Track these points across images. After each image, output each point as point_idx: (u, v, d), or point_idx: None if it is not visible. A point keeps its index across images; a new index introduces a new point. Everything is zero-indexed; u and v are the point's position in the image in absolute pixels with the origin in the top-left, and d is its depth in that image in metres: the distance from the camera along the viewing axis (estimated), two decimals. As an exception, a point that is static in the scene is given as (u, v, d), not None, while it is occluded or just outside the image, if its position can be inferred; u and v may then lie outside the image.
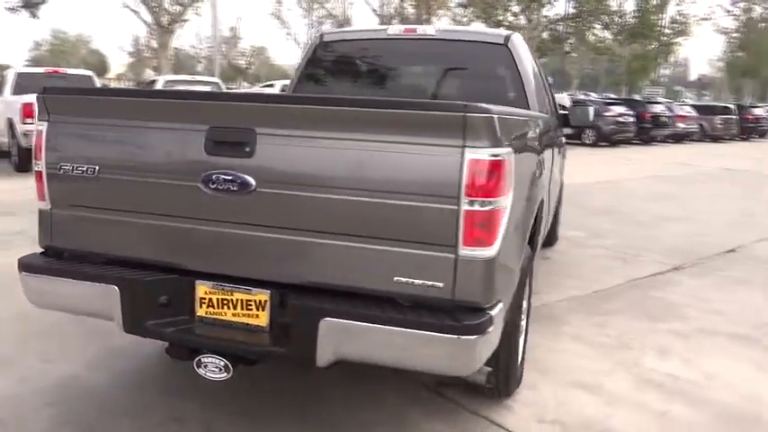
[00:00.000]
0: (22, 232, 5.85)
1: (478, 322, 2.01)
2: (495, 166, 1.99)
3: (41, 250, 2.60)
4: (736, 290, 5.10)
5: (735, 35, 51.98)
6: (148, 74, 53.35)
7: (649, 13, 39.12)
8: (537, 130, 3.08)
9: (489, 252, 2.03)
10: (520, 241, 2.53)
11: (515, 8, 33.75)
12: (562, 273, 5.34)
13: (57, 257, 2.56)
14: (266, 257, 2.22)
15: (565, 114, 5.23)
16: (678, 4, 40.98)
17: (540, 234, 3.61)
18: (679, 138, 25.09)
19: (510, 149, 2.10)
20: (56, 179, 2.44)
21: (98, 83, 12.45)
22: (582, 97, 26.51)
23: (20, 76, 11.42)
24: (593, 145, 20.83)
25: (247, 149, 2.15)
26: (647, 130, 22.75)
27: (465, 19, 35.68)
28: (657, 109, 23.70)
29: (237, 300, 2.29)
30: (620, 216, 8.24)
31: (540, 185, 3.12)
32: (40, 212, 2.53)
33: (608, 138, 21.11)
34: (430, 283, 2.03)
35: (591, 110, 5.12)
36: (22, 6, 25.51)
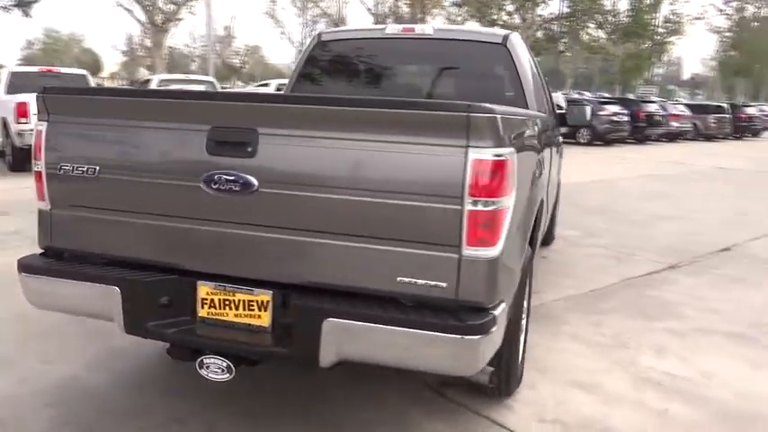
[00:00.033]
0: (18, 232, 5.83)
1: (482, 322, 2.02)
2: (499, 166, 1.99)
3: (41, 251, 2.60)
4: (732, 288, 5.13)
5: (727, 34, 52.25)
6: (142, 73, 53.19)
7: (643, 12, 39.26)
8: (537, 130, 3.09)
9: (492, 252, 2.04)
10: (521, 241, 2.53)
11: (510, 7, 33.81)
12: (558, 272, 5.36)
13: (56, 258, 2.55)
14: (269, 258, 2.22)
15: (562, 114, 5.25)
16: (671, 4, 41.21)
17: (539, 234, 3.63)
18: (673, 137, 25.19)
19: (512, 149, 2.10)
20: (56, 179, 2.44)
21: (92, 82, 12.40)
22: (576, 96, 26.59)
23: (13, 75, 11.37)
24: (588, 144, 20.90)
25: (249, 149, 2.15)
26: (642, 129, 22.83)
27: (459, 18, 35.73)
28: (652, 108, 23.77)
29: (239, 300, 2.28)
30: (614, 215, 8.28)
31: (540, 185, 3.14)
32: (40, 213, 2.52)
33: (603, 137, 21.18)
34: (433, 283, 2.04)
35: (588, 109, 5.15)
36: (15, 5, 25.39)
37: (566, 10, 34.81)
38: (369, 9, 35.83)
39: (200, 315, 2.34)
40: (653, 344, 3.83)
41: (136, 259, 2.39)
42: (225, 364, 2.24)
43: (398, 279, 2.07)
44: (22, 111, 9.82)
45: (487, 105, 1.98)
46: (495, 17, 33.26)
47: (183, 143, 2.25)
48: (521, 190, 2.31)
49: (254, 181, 2.14)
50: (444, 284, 2.03)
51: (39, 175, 2.47)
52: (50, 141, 2.42)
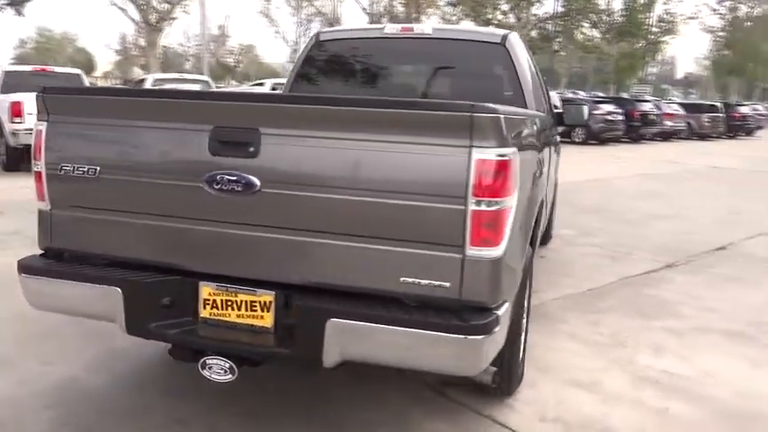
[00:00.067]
0: (17, 232, 5.81)
1: (486, 322, 2.03)
2: (502, 166, 2.00)
3: (40, 252, 2.58)
4: (728, 287, 5.15)
5: (721, 34, 52.49)
6: (136, 72, 53.01)
7: (637, 11, 39.41)
8: (537, 130, 3.10)
9: (496, 252, 2.04)
10: (523, 241, 2.54)
11: (504, 6, 33.87)
12: (556, 271, 5.37)
13: (56, 259, 2.54)
14: (271, 258, 2.22)
15: (559, 113, 5.26)
16: (665, 3, 41.39)
17: (539, 233, 3.63)
18: (667, 136, 25.29)
19: (515, 149, 2.11)
20: (56, 179, 2.42)
21: (87, 81, 12.35)
22: (571, 96, 26.66)
23: (7, 74, 11.31)
24: (583, 143, 20.95)
25: (252, 149, 2.14)
26: (636, 129, 22.92)
27: (454, 18, 35.75)
28: (646, 107, 23.86)
29: (242, 301, 2.28)
30: (610, 214, 8.30)
31: (541, 185, 3.14)
32: (40, 213, 2.51)
33: (597, 136, 21.24)
34: (437, 283, 2.04)
35: (585, 109, 5.17)
36: (8, 4, 25.26)
37: (560, 9, 34.91)
38: (364, 8, 35.83)
39: (202, 316, 2.33)
40: (651, 342, 3.85)
41: (137, 260, 2.39)
42: (228, 365, 2.23)
43: (401, 279, 2.07)
44: (16, 110, 9.78)
45: (491, 105, 1.98)
46: (490, 16, 33.32)
47: (185, 143, 2.24)
48: (522, 190, 2.31)
49: (257, 181, 2.14)
50: (448, 284, 2.04)
51: (39, 175, 2.46)
52: (50, 141, 2.41)
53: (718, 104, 29.65)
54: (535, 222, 3.02)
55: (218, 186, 2.18)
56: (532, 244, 3.03)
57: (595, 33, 39.78)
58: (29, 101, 9.72)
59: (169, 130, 2.28)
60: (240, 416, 2.81)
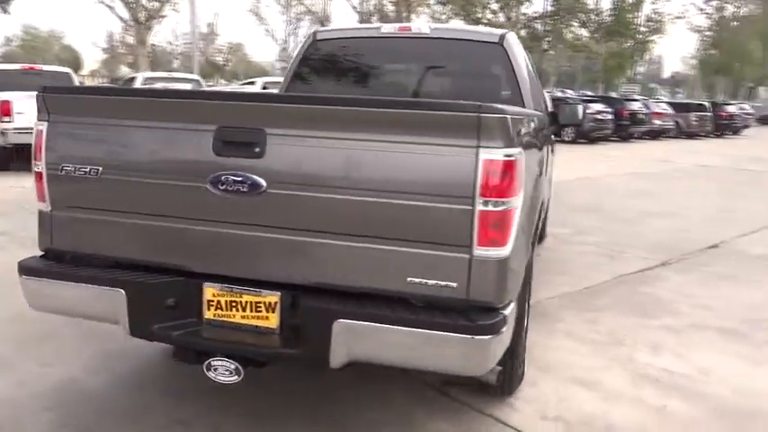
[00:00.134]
0: (5, 233, 5.75)
1: (493, 322, 2.03)
2: (509, 167, 2.00)
3: (40, 253, 2.56)
4: (722, 285, 5.20)
5: (708, 33, 52.88)
6: (123, 71, 52.63)
7: (625, 11, 39.65)
8: (538, 129, 3.11)
9: (503, 252, 2.05)
10: (527, 240, 2.55)
11: (494, 6, 33.96)
12: (552, 270, 5.39)
13: (57, 260, 2.51)
14: (277, 259, 2.21)
15: (553, 112, 5.27)
16: (653, 3, 41.69)
17: (538, 233, 3.65)
18: (655, 134, 25.43)
19: (521, 149, 2.11)
20: (57, 180, 2.40)
21: (76, 80, 12.23)
22: (560, 95, 26.75)
23: (-5, 73, 11.16)
24: (573, 142, 21.02)
25: (257, 150, 2.13)
26: (625, 128, 23.01)
27: (444, 17, 35.80)
28: (635, 106, 23.96)
29: (246, 302, 2.27)
30: (602, 213, 8.35)
31: (541, 184, 3.15)
32: (40, 214, 2.49)
33: (587, 135, 21.31)
34: (444, 283, 2.04)
35: (580, 108, 5.16)
36: (-7, 1, 24.98)
37: (549, 8, 35.06)
38: (354, 7, 35.77)
39: (206, 317, 2.32)
40: (648, 340, 3.88)
41: (140, 261, 2.37)
42: (233, 367, 2.22)
43: (409, 279, 2.07)
44: (4, 109, 9.69)
45: (498, 105, 1.99)
46: (480, 15, 33.39)
47: (189, 143, 2.23)
48: (526, 190, 2.32)
49: (263, 182, 2.13)
50: (455, 285, 2.04)
51: (39, 175, 2.43)
52: (51, 141, 2.39)
53: (705, 104, 29.88)
54: (536, 222, 3.03)
55: (223, 187, 2.17)
56: (533, 243, 3.04)
57: (584, 33, 40.01)
58: (17, 100, 9.63)
59: (172, 131, 2.26)
60: (244, 416, 2.80)
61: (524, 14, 34.71)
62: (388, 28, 4.15)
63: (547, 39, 36.67)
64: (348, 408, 2.90)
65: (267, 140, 2.13)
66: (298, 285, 2.21)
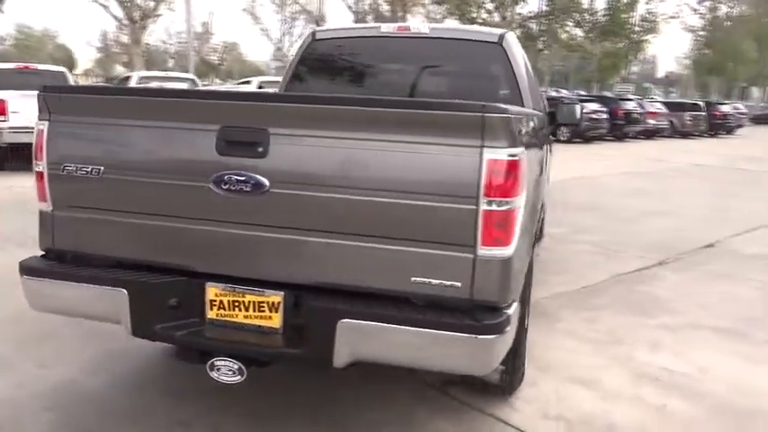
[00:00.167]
0: (2, 233, 5.72)
1: (497, 322, 2.03)
2: (513, 166, 2.00)
3: (41, 253, 2.55)
4: (719, 284, 5.22)
5: (701, 33, 53.09)
6: (118, 70, 52.43)
7: (620, 11, 39.72)
8: (538, 129, 3.12)
9: (507, 252, 2.05)
10: (529, 240, 2.55)
11: (489, 5, 33.99)
12: (549, 269, 5.40)
13: (58, 260, 2.50)
14: (280, 259, 2.20)
15: (551, 112, 5.28)
16: (647, 3, 41.76)
17: (538, 232, 3.66)
18: (650, 134, 25.53)
19: (524, 149, 2.12)
20: (58, 180, 2.39)
21: (71, 79, 12.19)
22: (554, 94, 26.80)
23: (-10, 72, 11.10)
24: (568, 141, 21.08)
25: (260, 149, 2.13)
26: (620, 127, 23.10)
27: (439, 16, 35.82)
28: (630, 106, 24.06)
29: (249, 302, 2.27)
30: (599, 212, 8.37)
31: (542, 184, 3.16)
32: (41, 214, 2.47)
33: (582, 134, 21.37)
34: (448, 282, 2.04)
35: (578, 108, 5.17)
36: (-13, 0, 24.83)
37: (544, 8, 35.11)
38: (349, 6, 35.72)
39: (208, 317, 2.32)
40: (647, 339, 3.89)
41: (142, 261, 2.36)
42: (236, 367, 2.22)
43: (412, 279, 2.07)
44: (0, 108, 9.63)
45: (502, 105, 1.99)
46: (475, 15, 33.41)
47: (192, 143, 2.22)
48: (528, 189, 2.32)
49: (266, 181, 2.13)
50: (459, 284, 2.04)
51: (40, 175, 2.42)
52: (52, 141, 2.37)
53: (699, 103, 30.02)
54: (536, 221, 3.04)
55: (227, 187, 2.16)
56: (533, 243, 3.05)
57: (579, 32, 40.10)
58: (12, 99, 9.58)
59: (175, 130, 2.25)
60: (244, 416, 2.80)
61: (519, 14, 34.77)
62: (387, 28, 4.15)
63: (542, 38, 36.73)
64: (348, 407, 2.90)
65: (270, 140, 2.13)
66: (301, 285, 2.21)
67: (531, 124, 2.71)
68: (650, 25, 42.33)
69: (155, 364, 3.27)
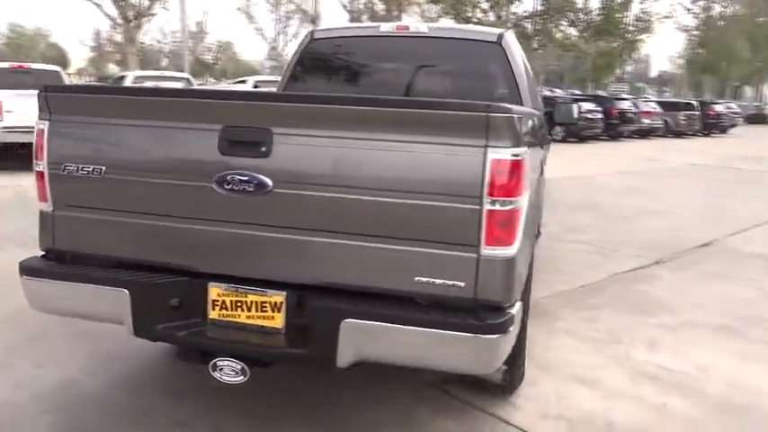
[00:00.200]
0: (-2, 233, 5.69)
1: (501, 321, 2.03)
2: (516, 166, 2.00)
3: (41, 253, 2.53)
4: (714, 283, 5.25)
5: (695, 33, 53.25)
6: (111, 69, 52.23)
7: (614, 10, 39.83)
8: (538, 129, 3.12)
9: (510, 251, 2.05)
10: (530, 240, 2.56)
11: (484, 5, 34.03)
12: (547, 268, 5.40)
13: (58, 260, 2.49)
14: (284, 259, 2.20)
15: (549, 111, 5.29)
16: (642, 2, 41.90)
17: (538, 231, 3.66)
18: (644, 133, 25.61)
19: (527, 148, 2.12)
20: (59, 180, 2.37)
21: (66, 78, 12.14)
22: (548, 93, 26.86)
23: (-17, 71, 11.04)
24: (563, 141, 21.11)
25: (263, 149, 2.13)
26: (615, 126, 23.16)
27: (434, 15, 35.82)
28: (624, 105, 24.14)
29: (252, 302, 2.26)
30: (595, 211, 8.39)
31: (542, 183, 3.16)
32: (42, 214, 2.46)
33: (577, 133, 21.41)
34: (451, 282, 2.04)
35: (575, 107, 5.21)
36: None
37: (539, 8, 35.18)
38: (344, 6, 35.66)
39: (210, 317, 2.31)
40: (646, 338, 3.90)
41: (144, 261, 2.35)
42: (239, 367, 2.21)
43: (416, 279, 2.07)
44: (-6, 108, 9.58)
45: (506, 105, 1.99)
46: (470, 14, 33.44)
47: (194, 143, 2.21)
48: (530, 189, 2.32)
49: (269, 181, 2.12)
50: (462, 284, 2.04)
51: (40, 175, 2.40)
52: (53, 141, 2.36)
53: (693, 103, 30.14)
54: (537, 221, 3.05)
55: (229, 187, 2.15)
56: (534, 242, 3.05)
57: (573, 32, 40.18)
58: (6, 99, 9.53)
59: (177, 130, 2.24)
60: (243, 416, 2.79)
61: (514, 14, 34.84)
62: (386, 27, 4.15)
63: (536, 38, 36.78)
64: (347, 407, 2.90)
65: (273, 140, 2.12)
66: (303, 285, 2.20)
67: (532, 124, 2.71)
68: (644, 25, 42.46)
69: (154, 364, 3.26)
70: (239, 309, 2.28)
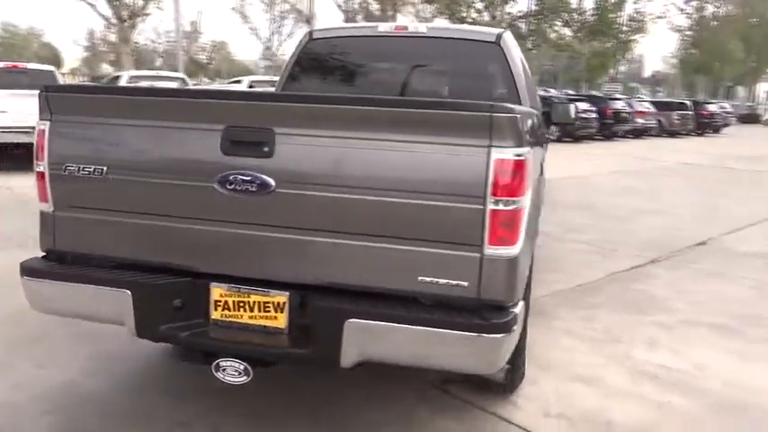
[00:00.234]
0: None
1: (505, 321, 2.04)
2: (519, 166, 2.01)
3: (42, 254, 2.52)
4: (711, 281, 5.27)
5: (688, 33, 53.47)
6: (105, 69, 52.03)
7: (608, 11, 39.93)
8: (538, 128, 3.13)
9: (513, 251, 2.06)
10: (532, 239, 2.57)
11: (479, 5, 34.07)
12: (545, 267, 5.40)
13: (59, 261, 2.48)
14: (285, 259, 2.20)
15: (546, 111, 5.30)
16: (635, 3, 42.01)
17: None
18: (638, 133, 25.69)
19: (529, 148, 2.12)
20: (60, 180, 2.36)
21: (60, 78, 12.09)
22: (542, 93, 26.89)
23: (-24, 71, 10.98)
24: (558, 141, 21.14)
25: (266, 149, 2.12)
26: (609, 126, 23.22)
27: (429, 15, 35.84)
28: (619, 105, 24.21)
29: (254, 302, 2.26)
30: (591, 210, 8.42)
31: (542, 183, 3.17)
32: (42, 214, 2.45)
33: (571, 133, 21.45)
34: (455, 282, 2.05)
35: (572, 107, 5.22)
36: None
37: (534, 8, 35.25)
38: (339, 5, 35.66)
39: (213, 317, 2.30)
40: (644, 337, 3.92)
41: (146, 262, 2.34)
42: (242, 367, 2.20)
43: (419, 279, 2.07)
44: (-12, 108, 9.52)
45: (509, 105, 2.00)
46: (465, 15, 33.47)
47: (196, 143, 2.21)
48: (531, 189, 2.33)
49: (272, 181, 2.12)
50: (466, 284, 2.04)
51: (41, 175, 2.39)
52: (54, 141, 2.35)
53: (687, 102, 30.27)
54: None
55: (232, 187, 2.15)
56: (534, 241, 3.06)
57: (567, 32, 40.28)
58: (2, 99, 9.47)
59: (179, 130, 2.24)
60: (244, 417, 2.79)
61: (509, 14, 34.88)
62: (385, 27, 4.15)
63: (531, 38, 36.83)
64: (348, 407, 2.90)
65: (276, 140, 2.12)
66: (306, 285, 2.20)
67: (533, 124, 2.72)
68: (638, 25, 42.61)
69: (154, 365, 3.25)
70: (242, 309, 2.27)
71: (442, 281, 2.06)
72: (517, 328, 2.12)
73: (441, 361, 2.12)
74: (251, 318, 2.27)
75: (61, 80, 12.70)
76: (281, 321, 2.24)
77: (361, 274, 2.13)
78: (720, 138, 29.23)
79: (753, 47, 50.89)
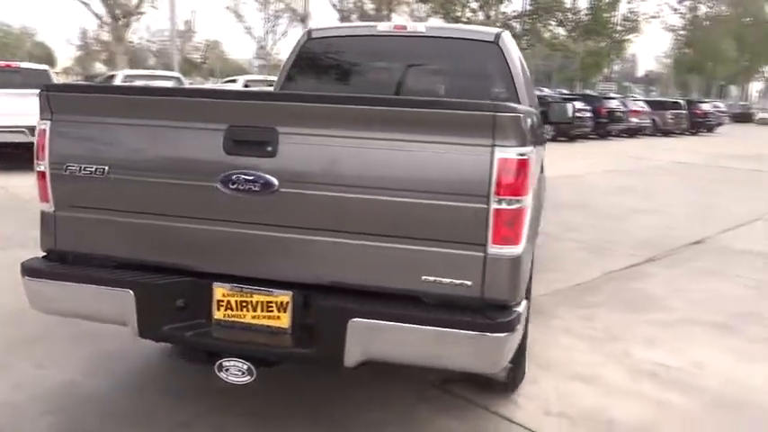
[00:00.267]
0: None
1: (509, 320, 2.04)
2: (522, 165, 2.01)
3: (42, 254, 2.51)
4: (708, 280, 5.30)
5: (681, 32, 53.71)
6: (98, 68, 51.82)
7: (602, 10, 40.08)
8: (537, 128, 3.13)
9: (516, 250, 2.06)
10: (533, 239, 2.57)
11: (473, 4, 34.12)
12: (543, 267, 5.40)
13: (60, 261, 2.47)
14: (288, 259, 2.19)
15: (543, 111, 5.31)
16: (629, 2, 42.19)
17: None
18: (633, 132, 25.78)
19: (532, 147, 2.13)
20: (61, 180, 2.35)
21: (54, 77, 12.03)
22: (537, 93, 26.93)
23: (-30, 70, 10.92)
24: (552, 140, 21.15)
25: (269, 149, 2.12)
26: (604, 125, 23.29)
27: (423, 14, 35.87)
28: (613, 104, 24.29)
29: (257, 302, 2.26)
30: (588, 210, 8.44)
31: (542, 182, 3.18)
32: (43, 214, 2.44)
33: (566, 133, 21.50)
34: (458, 281, 2.05)
35: (570, 106, 5.22)
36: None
37: (528, 8, 35.34)
38: (333, 5, 35.60)
39: (215, 317, 2.30)
40: (643, 336, 3.93)
41: (148, 262, 2.34)
42: (246, 367, 2.20)
43: (423, 278, 2.07)
44: (-18, 107, 9.46)
45: (512, 104, 2.00)
46: (459, 14, 33.52)
47: (199, 142, 2.20)
48: (533, 188, 2.33)
49: (275, 181, 2.12)
50: (469, 283, 2.05)
51: (42, 175, 2.38)
52: (55, 141, 2.34)
53: (681, 102, 30.40)
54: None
55: (234, 186, 2.15)
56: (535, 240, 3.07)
57: (561, 31, 40.40)
58: (-4, 99, 9.43)
59: (181, 129, 2.23)
60: (245, 416, 2.78)
61: (503, 13, 34.97)
62: (383, 26, 4.15)
63: (525, 37, 36.90)
64: (349, 407, 2.90)
65: (279, 139, 2.12)
66: (309, 285, 2.20)
67: (534, 123, 2.72)
68: (632, 25, 42.79)
69: (154, 365, 3.24)
70: (244, 309, 2.27)
71: (445, 280, 2.06)
72: (520, 327, 2.13)
73: (444, 360, 2.12)
74: (254, 317, 2.27)
75: (55, 79, 12.62)
76: (285, 321, 2.24)
77: (365, 273, 2.13)
78: (714, 137, 29.37)
79: (746, 46, 51.19)
